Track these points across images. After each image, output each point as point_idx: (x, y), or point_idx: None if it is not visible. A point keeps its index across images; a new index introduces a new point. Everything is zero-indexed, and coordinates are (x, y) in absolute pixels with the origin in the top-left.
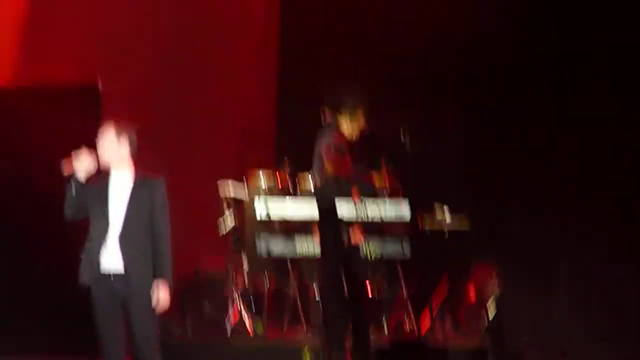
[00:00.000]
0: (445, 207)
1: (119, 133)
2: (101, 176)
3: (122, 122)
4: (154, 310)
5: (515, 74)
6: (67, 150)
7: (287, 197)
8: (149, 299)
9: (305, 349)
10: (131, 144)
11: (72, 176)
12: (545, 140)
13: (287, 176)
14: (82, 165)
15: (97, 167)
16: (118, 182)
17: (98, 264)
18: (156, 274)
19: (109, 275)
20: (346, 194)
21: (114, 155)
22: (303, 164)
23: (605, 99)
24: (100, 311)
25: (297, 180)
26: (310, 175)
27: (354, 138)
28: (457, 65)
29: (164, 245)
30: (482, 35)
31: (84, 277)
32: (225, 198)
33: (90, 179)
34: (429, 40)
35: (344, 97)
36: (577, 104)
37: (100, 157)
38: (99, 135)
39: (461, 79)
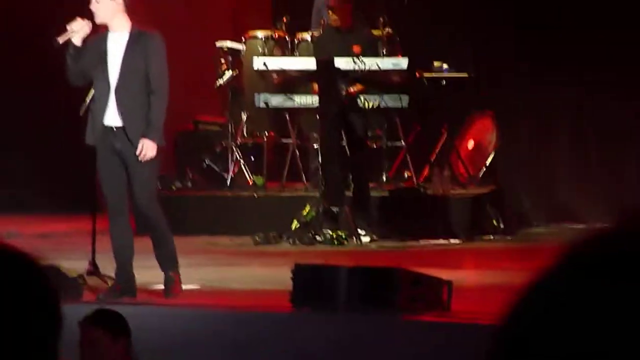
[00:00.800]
0: (444, 65)
1: None
2: (98, 37)
3: None
4: (151, 163)
5: None
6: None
7: (286, 55)
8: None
9: (308, 204)
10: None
11: (68, 43)
12: None
13: (286, 35)
14: (76, 28)
15: (91, 28)
16: (116, 40)
17: (101, 121)
18: (144, 131)
19: (110, 129)
20: (345, 45)
21: (109, 12)
22: (301, 22)
23: None
24: (104, 168)
25: (295, 39)
26: (309, 33)
27: None
28: None
29: (156, 101)
30: None
31: (90, 137)
32: (222, 50)
33: (87, 41)
34: None
35: None
36: None
37: (95, 15)
38: None
39: None
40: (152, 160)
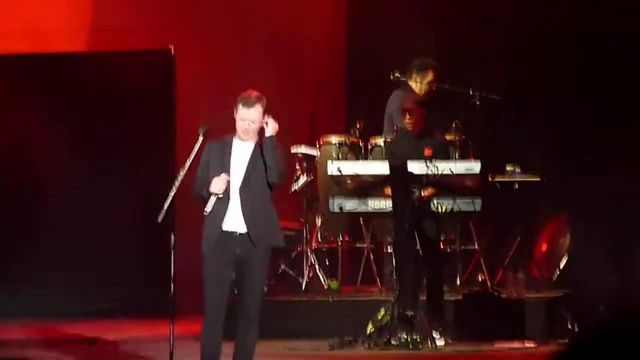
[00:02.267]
0: (517, 168)
1: (263, 106)
2: (221, 144)
3: (256, 92)
4: (265, 269)
5: (587, 43)
6: (145, 110)
7: (359, 159)
8: (265, 256)
9: (383, 309)
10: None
11: (211, 192)
12: (618, 94)
13: (359, 140)
14: (219, 188)
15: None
16: (239, 146)
17: (219, 225)
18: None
19: (231, 234)
20: (417, 149)
21: (256, 132)
22: (374, 128)
23: None
24: (215, 272)
25: (368, 144)
26: (381, 139)
27: (425, 97)
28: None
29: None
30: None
31: (205, 242)
32: (297, 155)
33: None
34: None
35: (413, 60)
36: None
37: (246, 132)
38: (241, 110)
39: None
40: (265, 269)
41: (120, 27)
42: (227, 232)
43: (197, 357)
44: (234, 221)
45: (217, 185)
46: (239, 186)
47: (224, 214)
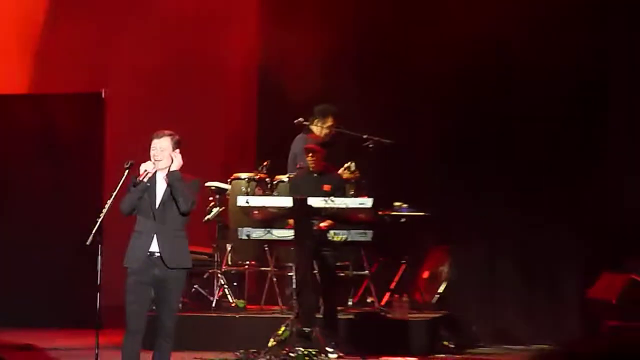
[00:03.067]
0: (404, 205)
1: (173, 140)
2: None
3: (169, 130)
4: (180, 288)
5: (465, 79)
6: (76, 149)
7: (265, 192)
8: (181, 277)
9: (283, 325)
10: (178, 150)
11: (138, 181)
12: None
13: (266, 177)
14: (149, 168)
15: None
16: (162, 182)
17: (147, 249)
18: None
19: (152, 256)
20: (318, 185)
21: (167, 160)
22: (279, 166)
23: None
24: (136, 290)
25: (274, 180)
26: (286, 176)
27: (325, 140)
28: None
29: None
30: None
31: (128, 261)
32: (211, 189)
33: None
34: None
35: (315, 106)
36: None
37: (156, 161)
38: (153, 141)
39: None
40: (180, 289)
41: (57, 70)
42: (150, 253)
43: None
44: (155, 245)
45: (147, 164)
46: (159, 217)
47: (148, 238)
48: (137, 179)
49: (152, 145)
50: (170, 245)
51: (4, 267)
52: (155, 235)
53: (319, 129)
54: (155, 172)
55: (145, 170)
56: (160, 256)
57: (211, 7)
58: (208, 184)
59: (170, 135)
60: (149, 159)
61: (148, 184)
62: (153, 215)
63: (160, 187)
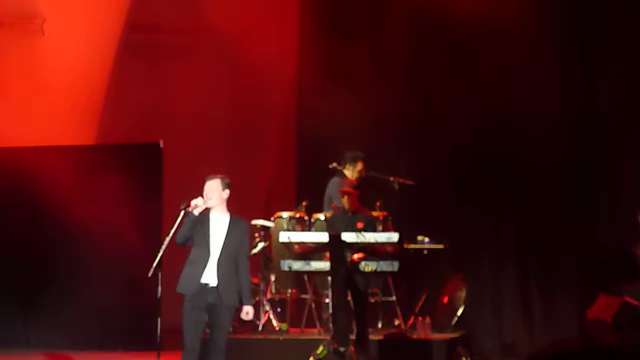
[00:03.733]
0: (426, 238)
1: (223, 182)
2: (203, 215)
3: (221, 174)
4: (231, 316)
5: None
6: (136, 196)
7: (304, 230)
8: (232, 307)
9: (321, 345)
10: (228, 191)
11: (190, 213)
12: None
13: (305, 215)
14: (199, 203)
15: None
16: (218, 220)
17: (199, 279)
18: (245, 302)
19: (206, 286)
20: (351, 223)
21: (219, 200)
22: (316, 206)
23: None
24: (191, 314)
25: (312, 218)
26: (322, 214)
27: (356, 182)
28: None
29: (247, 276)
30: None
31: (184, 289)
32: (256, 226)
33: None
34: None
35: (346, 152)
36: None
37: (207, 199)
38: (206, 183)
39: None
40: (231, 314)
41: (118, 123)
42: (204, 284)
43: None
44: (210, 276)
45: (198, 200)
46: (218, 252)
47: (203, 269)
48: (187, 209)
49: (205, 188)
50: (226, 280)
51: (83, 297)
52: (212, 268)
53: (350, 172)
54: (208, 209)
55: (195, 204)
56: (217, 286)
57: (254, 59)
58: (254, 222)
59: (221, 178)
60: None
61: (196, 215)
62: (209, 250)
63: (219, 229)
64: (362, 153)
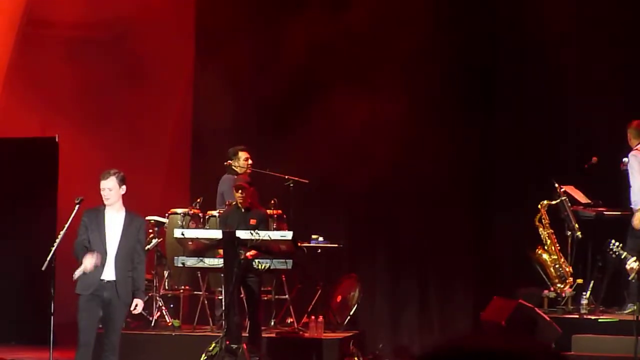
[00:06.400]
0: (320, 237)
1: (118, 178)
2: (95, 211)
3: (113, 169)
4: (125, 311)
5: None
6: (32, 191)
7: (198, 226)
8: (128, 303)
9: (214, 342)
10: (124, 187)
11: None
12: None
13: (199, 212)
14: (89, 265)
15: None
16: (113, 216)
17: (98, 276)
18: (136, 295)
19: (104, 282)
20: (245, 219)
21: (115, 197)
22: (211, 203)
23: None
24: (87, 309)
25: (205, 215)
26: (217, 211)
27: (247, 176)
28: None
29: (143, 271)
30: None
31: (83, 289)
32: (150, 222)
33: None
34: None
35: (230, 149)
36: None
37: (107, 199)
38: (101, 182)
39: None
40: (126, 310)
41: (14, 117)
42: (101, 280)
43: None
44: (107, 272)
45: (88, 265)
46: (115, 249)
47: (102, 267)
48: (81, 260)
49: (101, 187)
50: (122, 275)
51: None
52: (110, 265)
53: (238, 166)
54: (104, 206)
55: (86, 268)
56: (114, 282)
57: (150, 56)
58: (148, 218)
59: (115, 174)
60: (99, 197)
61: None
62: (106, 249)
63: (114, 225)
64: (240, 146)
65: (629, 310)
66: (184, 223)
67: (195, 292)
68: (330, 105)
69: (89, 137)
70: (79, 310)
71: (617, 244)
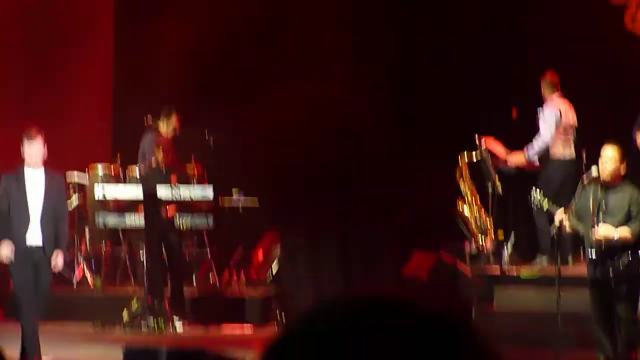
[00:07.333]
0: (241, 192)
1: (42, 138)
2: (15, 174)
3: (37, 127)
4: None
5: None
6: None
7: (119, 183)
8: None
9: (134, 299)
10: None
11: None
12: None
13: (119, 167)
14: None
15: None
16: (32, 177)
17: (23, 242)
18: (57, 246)
19: (31, 246)
20: (166, 179)
21: (40, 159)
22: (131, 158)
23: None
24: (21, 273)
25: (126, 171)
26: (137, 167)
27: (171, 137)
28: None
29: (65, 226)
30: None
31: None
32: (71, 183)
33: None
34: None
35: (162, 107)
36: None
37: (31, 156)
38: (26, 145)
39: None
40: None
41: None
42: (28, 245)
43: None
44: (34, 237)
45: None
46: (39, 213)
47: (25, 231)
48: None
49: (26, 151)
50: (48, 236)
51: None
52: (35, 229)
53: (164, 127)
54: (24, 172)
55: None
56: (41, 246)
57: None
58: (69, 177)
59: (40, 134)
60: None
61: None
62: (28, 212)
63: (36, 187)
64: (174, 108)
65: (538, 262)
66: (104, 181)
67: (117, 251)
68: (259, 62)
69: (5, 93)
70: (12, 276)
71: (539, 190)
